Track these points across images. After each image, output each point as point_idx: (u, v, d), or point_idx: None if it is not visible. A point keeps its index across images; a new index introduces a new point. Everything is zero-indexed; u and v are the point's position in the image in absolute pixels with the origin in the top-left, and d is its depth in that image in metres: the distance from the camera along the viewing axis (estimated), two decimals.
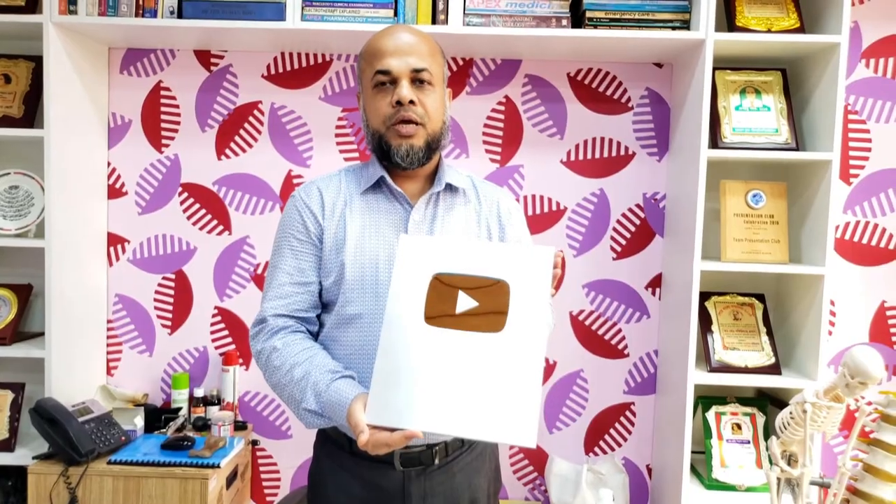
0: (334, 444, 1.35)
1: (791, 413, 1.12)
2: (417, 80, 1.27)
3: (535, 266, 1.12)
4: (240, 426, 2.22)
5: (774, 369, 1.99)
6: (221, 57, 2.28)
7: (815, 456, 1.87)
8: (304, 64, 2.28)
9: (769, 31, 1.95)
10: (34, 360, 2.06)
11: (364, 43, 1.38)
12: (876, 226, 2.21)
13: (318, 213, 1.33)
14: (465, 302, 1.11)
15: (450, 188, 1.37)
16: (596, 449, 2.33)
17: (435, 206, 1.35)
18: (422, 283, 1.13)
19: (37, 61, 2.14)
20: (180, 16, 1.99)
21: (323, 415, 1.19)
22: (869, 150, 2.19)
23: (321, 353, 1.26)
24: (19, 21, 1.99)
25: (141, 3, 1.99)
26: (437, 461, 1.31)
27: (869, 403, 1.15)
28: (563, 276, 2.28)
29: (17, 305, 2.15)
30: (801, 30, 1.96)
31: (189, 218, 2.31)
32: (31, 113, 2.13)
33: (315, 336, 1.35)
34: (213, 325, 2.33)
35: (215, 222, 2.31)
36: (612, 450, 2.32)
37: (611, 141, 2.27)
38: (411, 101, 1.26)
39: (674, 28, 1.96)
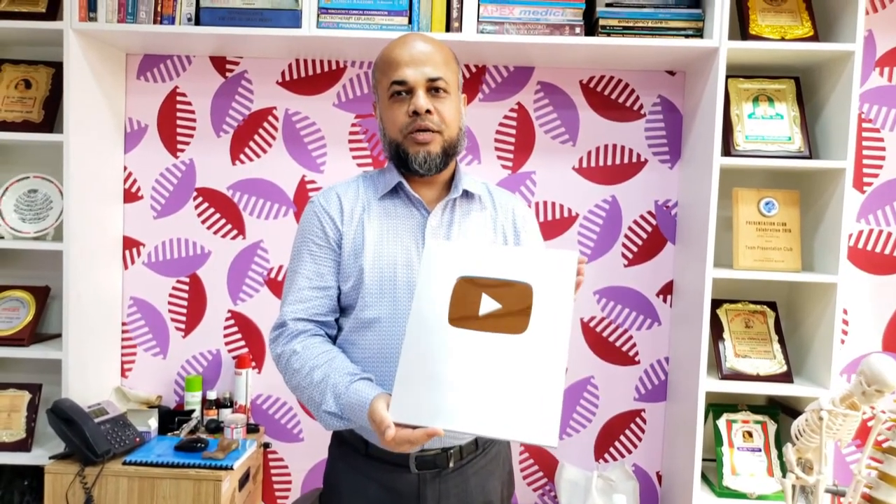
0: (350, 447, 1.37)
1: (807, 420, 1.13)
2: (433, 88, 1.29)
3: (559, 269, 1.14)
4: (252, 429, 2.24)
5: (786, 377, 1.99)
6: (237, 63, 2.31)
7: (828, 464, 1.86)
8: (318, 70, 2.30)
9: (783, 39, 1.96)
10: (51, 361, 2.08)
11: (378, 51, 1.39)
12: (889, 234, 2.20)
13: (336, 219, 1.34)
14: (488, 304, 1.12)
15: (466, 195, 1.39)
16: (606, 455, 2.33)
17: (451, 212, 1.37)
18: (446, 286, 1.15)
19: (57, 67, 2.17)
20: (198, 23, 2.02)
21: (343, 416, 1.21)
22: (883, 158, 2.19)
23: (340, 356, 1.27)
24: (40, 28, 2.03)
25: (159, 10, 2.01)
26: (451, 464, 1.32)
27: (883, 412, 1.15)
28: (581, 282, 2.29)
29: (34, 307, 2.18)
30: (814, 38, 1.97)
31: (203, 222, 2.33)
32: (51, 118, 2.16)
33: (333, 340, 1.36)
34: (226, 328, 2.35)
35: (229, 227, 2.33)
36: (623, 456, 2.33)
37: (623, 148, 2.28)
38: (428, 111, 1.28)
39: (687, 36, 1.97)
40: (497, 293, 1.13)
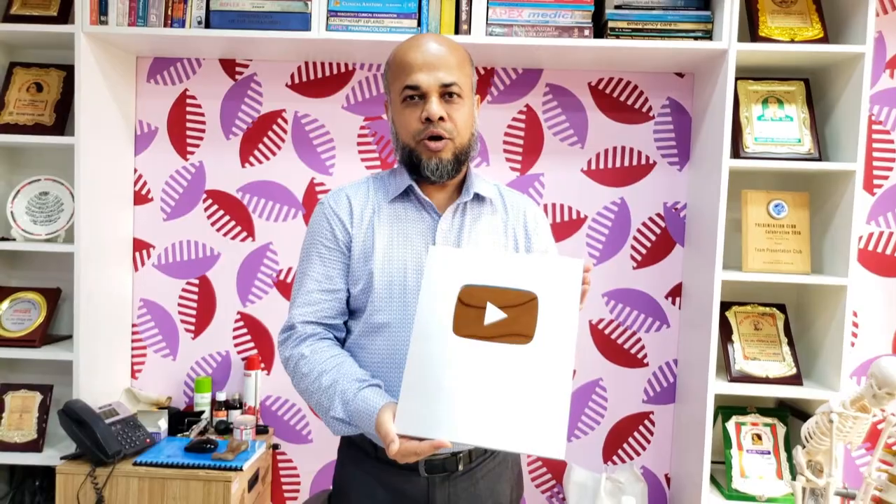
0: (359, 450, 1.37)
1: (817, 423, 1.13)
2: (447, 93, 1.27)
3: (564, 277, 1.12)
4: (261, 430, 2.25)
5: (796, 380, 1.99)
6: (246, 66, 2.32)
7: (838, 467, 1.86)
8: (327, 73, 2.31)
9: (792, 41, 1.95)
10: (62, 362, 2.09)
11: (387, 53, 1.38)
12: None
13: (346, 221, 1.34)
14: (493, 313, 1.11)
15: (477, 198, 1.38)
16: (615, 458, 2.33)
17: (462, 216, 1.36)
18: (450, 295, 1.14)
19: (68, 70, 2.19)
20: (207, 26, 2.03)
21: (350, 423, 1.20)
22: (893, 160, 2.18)
23: (349, 361, 1.27)
24: (52, 31, 2.05)
25: (169, 13, 2.03)
26: (460, 467, 1.32)
27: (894, 415, 1.15)
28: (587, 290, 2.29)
29: (45, 309, 2.19)
30: (824, 40, 1.96)
31: (213, 224, 2.34)
32: (62, 121, 2.18)
33: (342, 342, 1.36)
34: (235, 329, 2.36)
35: (239, 228, 2.34)
36: (631, 458, 2.32)
37: (631, 150, 2.28)
38: (441, 118, 1.26)
39: (696, 38, 1.97)
40: (502, 302, 1.12)
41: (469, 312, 1.12)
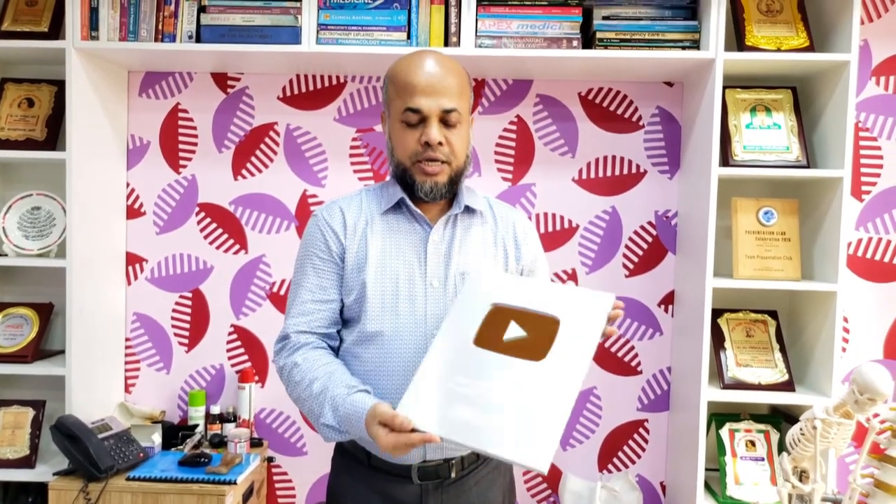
0: (352, 458, 1.38)
1: (801, 429, 1.13)
2: (446, 119, 1.30)
3: (591, 307, 1.18)
4: (255, 443, 2.24)
5: (788, 386, 1.99)
6: (238, 79, 2.33)
7: (829, 472, 1.86)
8: (318, 86, 2.32)
9: (778, 49, 1.97)
10: (55, 377, 2.09)
11: (380, 64, 1.39)
12: (889, 242, 2.21)
13: (339, 233, 1.36)
14: (514, 330, 1.17)
15: (468, 210, 1.40)
16: (610, 466, 2.33)
17: (453, 228, 1.38)
18: (480, 310, 1.21)
19: (59, 85, 2.20)
20: (198, 40, 2.04)
21: (340, 429, 1.22)
22: (880, 166, 2.20)
23: (340, 369, 1.29)
24: (43, 47, 2.05)
25: (160, 28, 2.04)
26: (453, 474, 1.34)
27: (882, 422, 1.15)
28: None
29: (38, 324, 2.19)
30: (810, 48, 1.98)
31: (206, 237, 2.35)
32: (54, 136, 2.18)
33: (336, 351, 1.38)
34: (229, 342, 2.35)
35: (232, 241, 2.34)
36: (626, 467, 2.32)
37: (622, 159, 2.29)
38: (439, 143, 1.29)
39: (684, 48, 1.99)
40: (525, 322, 1.18)
41: (492, 328, 1.19)
